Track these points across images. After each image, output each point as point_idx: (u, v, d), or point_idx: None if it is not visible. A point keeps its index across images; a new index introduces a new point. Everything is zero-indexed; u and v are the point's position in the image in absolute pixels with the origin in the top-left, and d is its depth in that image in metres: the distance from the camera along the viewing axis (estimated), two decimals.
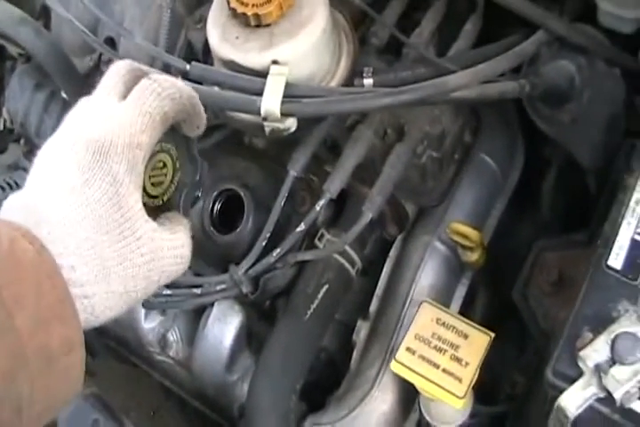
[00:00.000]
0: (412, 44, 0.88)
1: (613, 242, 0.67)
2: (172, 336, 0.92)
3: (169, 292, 0.80)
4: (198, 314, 0.92)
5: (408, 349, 0.73)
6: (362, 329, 0.85)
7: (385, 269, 0.88)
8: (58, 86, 1.08)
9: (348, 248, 0.86)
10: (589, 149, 0.82)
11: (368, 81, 0.82)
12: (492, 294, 0.90)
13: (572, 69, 0.83)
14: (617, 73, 0.83)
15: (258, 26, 0.79)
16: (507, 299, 0.82)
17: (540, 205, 0.93)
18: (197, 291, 0.79)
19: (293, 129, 0.77)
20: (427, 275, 0.84)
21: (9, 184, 1.19)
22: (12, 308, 0.46)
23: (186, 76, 0.79)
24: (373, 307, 0.87)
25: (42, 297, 0.48)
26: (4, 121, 1.23)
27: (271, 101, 0.74)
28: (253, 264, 0.78)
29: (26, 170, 1.22)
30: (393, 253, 0.88)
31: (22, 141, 1.20)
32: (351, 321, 0.89)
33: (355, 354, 0.86)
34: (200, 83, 0.78)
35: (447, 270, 0.85)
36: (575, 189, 0.89)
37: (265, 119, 0.75)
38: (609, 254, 0.66)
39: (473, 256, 0.80)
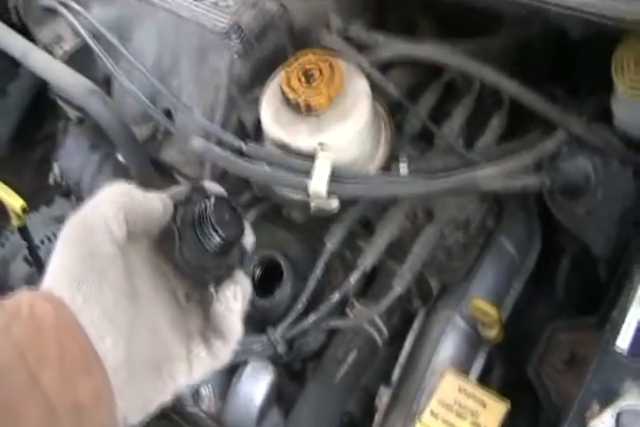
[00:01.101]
0: (443, 136, 0.97)
1: (621, 326, 0.73)
2: (205, 391, 0.98)
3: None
4: (231, 371, 0.98)
5: (432, 413, 0.79)
6: (384, 395, 0.91)
7: (408, 340, 0.94)
8: (111, 148, 1.19)
9: (376, 318, 0.93)
10: (602, 240, 0.90)
11: (403, 167, 0.91)
12: (507, 369, 0.95)
13: (589, 168, 0.91)
14: (629, 173, 0.91)
15: (309, 113, 0.89)
16: (521, 374, 0.89)
17: (555, 288, 1.00)
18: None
19: (336, 208, 0.86)
20: (447, 348, 0.90)
21: (55, 235, 1.28)
22: (37, 369, 0.48)
23: (240, 153, 0.89)
24: (396, 375, 0.93)
25: (65, 353, 0.50)
26: (54, 176, 1.32)
27: (319, 183, 0.83)
28: (289, 328, 0.86)
29: None
30: (416, 325, 0.95)
31: (74, 198, 1.29)
32: (374, 387, 0.94)
33: (376, 418, 0.91)
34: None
35: (466, 344, 0.91)
36: (588, 276, 0.96)
37: (312, 198, 0.83)
38: (617, 337, 0.72)
39: (491, 332, 0.87)
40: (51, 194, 1.30)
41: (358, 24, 1.08)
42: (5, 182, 1.00)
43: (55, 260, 0.56)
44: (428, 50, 1.01)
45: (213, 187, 0.70)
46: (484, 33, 1.06)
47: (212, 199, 0.65)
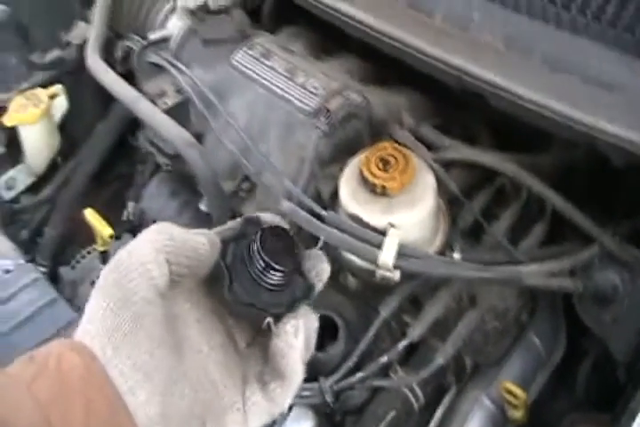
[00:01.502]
0: (493, 233, 1.08)
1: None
2: None
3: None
4: None
5: None
6: None
7: (438, 412, 1.03)
8: (190, 197, 1.30)
9: (415, 385, 1.01)
10: (624, 346, 0.99)
11: (457, 255, 1.02)
12: None
13: (617, 281, 1.02)
14: None
15: (382, 194, 1.00)
16: None
17: (576, 385, 1.09)
18: None
19: (397, 279, 0.96)
20: (473, 425, 0.99)
21: None
22: None
23: (320, 219, 1.00)
24: None
25: (91, 411, 0.47)
26: (127, 213, 1.43)
27: (387, 255, 0.93)
28: (339, 381, 0.94)
29: None
30: (447, 399, 1.04)
31: None
32: None
33: None
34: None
35: (491, 424, 0.99)
36: (607, 377, 1.04)
37: (379, 268, 0.94)
38: None
39: (517, 413, 0.96)
40: (119, 229, 1.38)
41: (427, 125, 1.21)
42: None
43: (89, 306, 0.52)
44: (489, 157, 1.13)
45: (269, 217, 0.66)
46: (534, 149, 1.19)
47: (261, 230, 0.61)
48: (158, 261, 0.53)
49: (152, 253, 0.53)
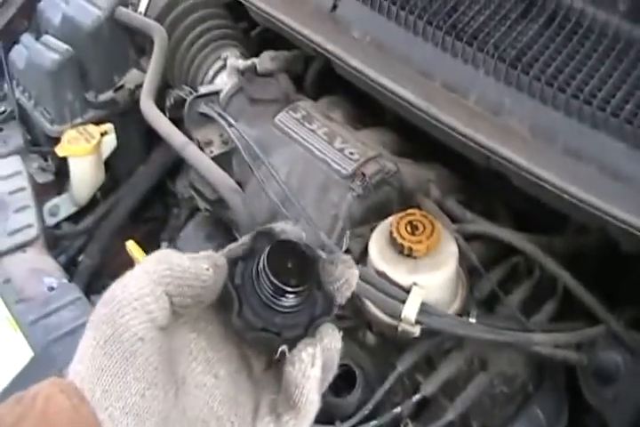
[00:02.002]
0: (509, 304, 1.14)
1: None
2: None
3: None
4: None
5: None
6: None
7: None
8: (224, 242, 1.35)
9: None
10: (623, 424, 1.05)
11: (472, 320, 1.08)
12: None
13: (619, 361, 1.07)
14: None
15: (408, 255, 1.07)
16: None
17: None
18: None
19: (417, 334, 1.02)
20: None
21: None
22: None
23: None
24: None
25: None
26: None
27: (410, 310, 1.00)
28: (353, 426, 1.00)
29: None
30: None
31: None
32: None
33: None
34: None
35: None
36: None
37: (401, 321, 1.00)
38: None
39: None
40: None
41: (452, 199, 1.29)
42: None
43: (81, 344, 0.49)
44: (508, 234, 1.20)
45: (282, 228, 0.59)
46: (549, 232, 1.27)
47: (269, 247, 0.54)
48: (156, 295, 0.49)
49: (149, 285, 0.49)
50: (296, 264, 0.54)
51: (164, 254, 0.52)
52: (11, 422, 0.45)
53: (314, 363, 0.53)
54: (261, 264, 0.53)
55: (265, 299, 0.53)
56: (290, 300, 0.54)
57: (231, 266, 0.55)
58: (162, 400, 0.49)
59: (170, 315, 0.51)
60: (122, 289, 0.50)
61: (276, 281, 0.53)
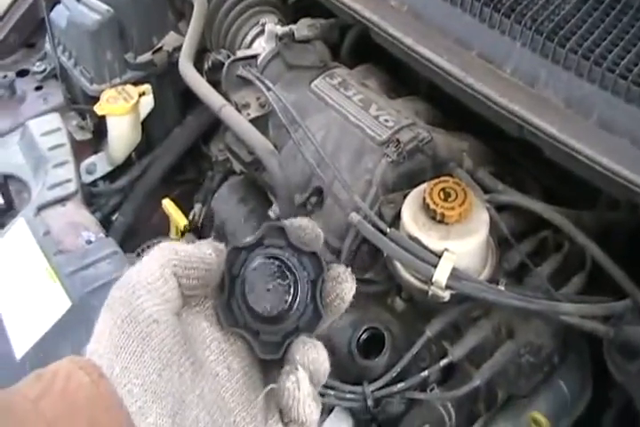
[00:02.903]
0: (537, 273, 1.15)
1: None
2: None
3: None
4: None
5: None
6: None
7: None
8: (257, 205, 1.39)
9: (449, 404, 1.08)
10: None
11: (501, 288, 1.09)
12: None
13: None
14: None
15: (440, 222, 1.08)
16: None
17: None
18: (331, 392, 1.02)
19: (446, 300, 1.03)
20: None
21: None
22: None
23: (384, 233, 1.08)
24: None
25: None
26: (194, 214, 1.53)
27: (441, 274, 1.01)
28: (381, 388, 1.02)
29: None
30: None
31: (212, 235, 1.50)
32: None
33: None
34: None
35: None
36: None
37: (432, 285, 1.01)
38: None
39: None
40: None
41: (484, 170, 1.30)
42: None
43: (97, 325, 0.52)
44: (539, 205, 1.20)
45: (298, 223, 0.58)
46: (579, 207, 1.27)
47: (265, 249, 0.54)
48: (165, 277, 0.52)
49: (158, 269, 0.52)
50: (283, 290, 0.54)
51: (168, 244, 0.55)
52: (32, 398, 0.46)
53: (299, 387, 0.53)
54: (245, 273, 0.53)
55: (252, 299, 0.53)
56: (269, 311, 0.53)
57: (235, 254, 0.55)
58: (177, 382, 0.50)
59: (180, 296, 0.53)
60: (136, 274, 0.52)
61: (250, 300, 0.53)
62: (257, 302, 0.53)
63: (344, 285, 0.57)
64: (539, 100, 1.09)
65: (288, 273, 0.53)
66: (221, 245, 0.55)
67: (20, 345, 1.24)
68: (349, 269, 0.58)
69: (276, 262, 0.54)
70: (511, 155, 1.33)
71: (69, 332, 1.19)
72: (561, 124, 1.04)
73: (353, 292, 0.58)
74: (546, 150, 1.09)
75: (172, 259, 0.53)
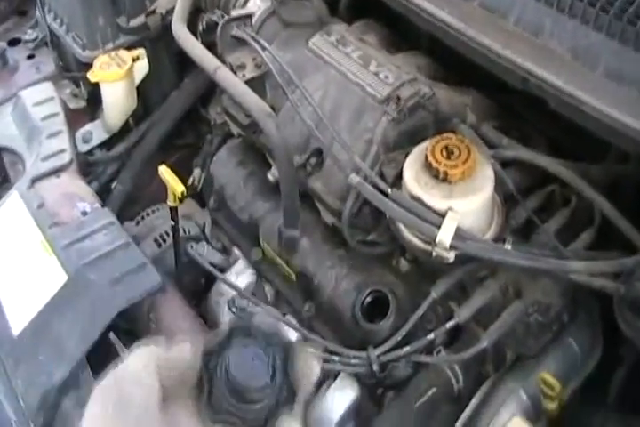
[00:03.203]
0: (546, 231, 1.12)
1: None
2: None
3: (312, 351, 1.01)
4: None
5: None
6: None
7: (474, 400, 1.08)
8: (257, 168, 1.37)
9: (456, 367, 1.07)
10: None
11: (508, 246, 1.07)
12: None
13: None
14: None
15: (443, 180, 1.05)
16: None
17: (609, 392, 1.13)
18: (335, 358, 1.00)
19: (451, 261, 1.01)
20: (505, 415, 1.03)
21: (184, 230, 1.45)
22: None
23: (385, 195, 1.05)
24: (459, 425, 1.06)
25: None
26: (193, 179, 1.51)
27: (445, 235, 0.98)
28: (386, 352, 1.00)
29: (197, 223, 1.48)
30: (483, 388, 1.09)
31: (212, 199, 1.48)
32: None
33: None
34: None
35: (524, 416, 1.03)
36: None
37: (436, 246, 0.99)
38: None
39: (552, 405, 1.00)
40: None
41: (488, 125, 1.26)
42: None
43: (89, 408, 0.62)
44: (545, 160, 1.17)
45: (264, 323, 0.74)
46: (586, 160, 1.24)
47: (235, 348, 0.66)
48: (149, 370, 0.61)
49: (142, 362, 0.62)
50: (262, 363, 0.65)
51: (151, 347, 0.66)
52: None
53: None
54: (228, 366, 0.64)
55: (233, 383, 0.63)
56: (250, 398, 0.64)
57: (208, 356, 0.65)
58: None
59: (162, 388, 0.60)
60: (123, 367, 0.63)
61: (237, 387, 0.63)
62: (238, 385, 0.63)
63: (309, 365, 0.69)
64: (544, 51, 1.05)
65: (263, 357, 0.65)
66: (199, 349, 0.66)
67: (17, 321, 1.23)
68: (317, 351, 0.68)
69: (250, 349, 0.66)
70: (515, 108, 1.29)
71: (66, 306, 1.18)
72: (567, 75, 1.01)
73: (317, 372, 0.70)
74: (551, 103, 1.05)
75: (153, 353, 0.63)
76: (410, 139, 1.20)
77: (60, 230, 1.30)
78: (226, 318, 1.36)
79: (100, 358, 1.05)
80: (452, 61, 1.29)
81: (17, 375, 1.12)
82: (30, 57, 1.73)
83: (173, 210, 1.20)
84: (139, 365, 0.62)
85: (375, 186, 1.07)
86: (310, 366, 0.69)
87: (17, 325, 1.22)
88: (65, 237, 1.28)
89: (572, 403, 1.10)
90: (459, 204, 1.03)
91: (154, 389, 0.60)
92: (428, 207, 1.03)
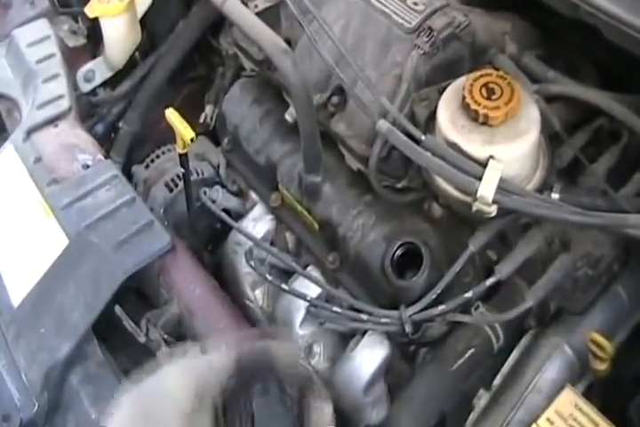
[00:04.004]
0: (596, 174, 1.02)
1: None
2: (317, 348, 1.05)
3: (339, 309, 0.93)
4: (343, 338, 1.03)
5: (548, 419, 0.86)
6: (483, 397, 0.97)
7: (514, 354, 1.00)
8: (273, 106, 1.28)
9: (497, 325, 0.99)
10: None
11: (555, 196, 0.97)
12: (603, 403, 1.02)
13: None
14: None
15: (484, 124, 0.94)
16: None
17: None
18: (364, 317, 0.92)
19: (493, 215, 0.91)
20: (551, 370, 0.96)
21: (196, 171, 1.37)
22: None
23: (418, 143, 0.95)
24: (497, 381, 0.99)
25: None
26: (205, 116, 1.41)
27: (487, 189, 0.88)
28: (419, 311, 0.92)
29: (211, 163, 1.40)
30: (524, 342, 1.01)
31: (226, 140, 1.38)
32: (471, 388, 1.00)
33: (471, 417, 0.97)
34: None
35: (569, 372, 0.97)
36: None
37: (477, 200, 0.89)
38: None
39: (602, 366, 0.93)
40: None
41: (531, 55, 1.14)
42: None
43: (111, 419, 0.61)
44: (595, 95, 1.06)
45: (286, 361, 0.72)
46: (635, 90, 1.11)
47: (255, 402, 0.66)
48: (186, 394, 0.60)
49: (182, 383, 0.60)
50: (280, 413, 0.66)
51: (193, 360, 0.66)
52: None
53: None
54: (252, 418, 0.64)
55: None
56: None
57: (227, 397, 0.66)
58: None
59: (195, 401, 0.60)
60: (157, 383, 0.61)
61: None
62: None
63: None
64: None
65: (284, 406, 0.66)
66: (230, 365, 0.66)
67: (16, 290, 1.15)
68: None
69: (272, 397, 0.66)
70: (563, 34, 1.15)
71: (68, 274, 1.10)
72: (626, 1, 0.88)
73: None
74: (606, 33, 0.94)
75: (192, 372, 0.62)
76: (444, 73, 1.08)
77: (59, 188, 1.21)
78: (244, 269, 1.29)
79: (107, 327, 1.00)
80: None
81: (18, 351, 1.06)
82: None
83: (183, 157, 1.11)
84: (176, 385, 0.60)
85: (405, 131, 0.95)
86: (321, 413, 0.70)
87: (16, 294, 1.14)
88: (64, 196, 1.18)
89: (619, 355, 1.03)
90: (501, 150, 0.93)
91: (186, 414, 0.59)
92: (467, 155, 0.92)
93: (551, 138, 1.05)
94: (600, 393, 0.99)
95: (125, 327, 1.05)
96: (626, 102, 1.04)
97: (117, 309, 1.06)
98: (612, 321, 1.03)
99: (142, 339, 1.05)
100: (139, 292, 1.18)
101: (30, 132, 1.29)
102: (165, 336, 1.07)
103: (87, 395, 1.01)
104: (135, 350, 1.07)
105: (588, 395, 0.91)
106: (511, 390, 0.96)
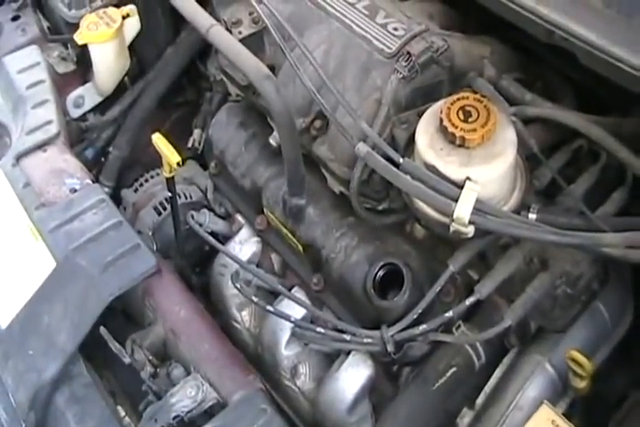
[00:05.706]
0: (573, 195, 1.03)
1: None
2: (303, 369, 1.05)
3: (322, 330, 0.95)
4: (328, 358, 1.04)
5: None
6: (466, 416, 0.98)
7: (497, 372, 1.02)
8: (259, 129, 1.30)
9: (477, 343, 1.00)
10: None
11: (532, 216, 0.98)
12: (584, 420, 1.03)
13: None
14: None
15: (460, 146, 0.96)
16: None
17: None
18: (347, 337, 0.94)
19: (470, 235, 0.92)
20: (533, 388, 0.97)
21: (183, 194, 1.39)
22: None
23: (397, 166, 0.97)
24: (480, 400, 1.00)
25: None
26: (193, 141, 1.43)
27: (463, 210, 0.90)
28: (401, 331, 0.93)
29: (199, 187, 1.42)
30: (506, 360, 1.02)
31: (213, 164, 1.41)
32: (455, 407, 1.02)
33: None
34: None
35: (551, 390, 0.98)
36: None
37: (454, 221, 0.91)
38: None
39: (581, 384, 0.93)
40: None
41: (509, 78, 1.16)
42: None
43: None
44: (573, 117, 1.07)
45: None
46: (616, 113, 1.14)
47: None
48: None
49: None
50: None
51: None
52: None
53: None
54: None
55: None
56: None
57: None
58: None
59: None
60: None
61: None
62: None
63: None
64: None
65: None
66: None
67: (5, 312, 1.16)
68: None
69: None
70: (539, 55, 1.18)
71: (55, 296, 1.11)
72: (599, 27, 0.91)
73: None
74: (581, 58, 0.95)
75: None
76: (423, 97, 1.11)
77: (48, 212, 1.23)
78: (231, 290, 1.30)
79: (93, 348, 1.00)
80: (468, 8, 1.18)
81: (6, 372, 1.07)
82: (15, 18, 1.62)
83: (170, 181, 1.12)
84: None
85: (385, 156, 0.97)
86: None
87: (4, 316, 1.15)
88: (52, 219, 1.20)
89: (601, 373, 1.04)
90: (478, 172, 0.94)
91: None
92: (445, 178, 0.94)
93: (530, 159, 1.06)
94: (582, 411, 1.00)
95: (111, 348, 1.06)
96: (603, 124, 1.05)
97: (103, 330, 1.07)
98: (593, 339, 1.04)
99: (127, 360, 1.06)
100: (125, 313, 1.19)
101: (19, 157, 1.31)
102: (150, 357, 1.08)
103: (73, 415, 1.02)
104: (121, 370, 1.08)
105: (569, 413, 0.92)
106: (494, 409, 0.97)
